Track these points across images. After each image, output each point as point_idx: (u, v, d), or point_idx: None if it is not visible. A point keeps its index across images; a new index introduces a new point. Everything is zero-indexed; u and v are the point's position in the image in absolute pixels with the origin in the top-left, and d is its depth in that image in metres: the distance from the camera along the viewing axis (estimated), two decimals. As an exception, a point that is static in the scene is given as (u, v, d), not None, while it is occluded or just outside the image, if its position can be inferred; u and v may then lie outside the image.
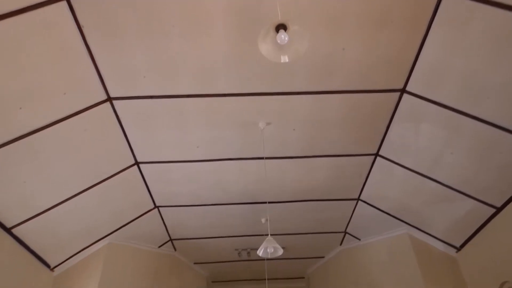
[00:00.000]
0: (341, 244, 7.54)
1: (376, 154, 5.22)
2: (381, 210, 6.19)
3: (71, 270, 6.01)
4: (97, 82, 4.00)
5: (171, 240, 7.08)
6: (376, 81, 4.17)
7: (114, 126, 4.52)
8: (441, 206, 5.49)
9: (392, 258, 6.52)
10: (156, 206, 6.12)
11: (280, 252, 3.94)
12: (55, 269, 5.91)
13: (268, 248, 3.93)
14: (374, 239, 6.92)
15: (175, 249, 7.42)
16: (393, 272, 6.38)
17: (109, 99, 4.22)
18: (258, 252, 3.98)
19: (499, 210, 4.98)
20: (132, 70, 3.94)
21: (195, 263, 8.01)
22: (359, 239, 7.16)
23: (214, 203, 6.11)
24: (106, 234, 6.18)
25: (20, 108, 3.81)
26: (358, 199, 6.14)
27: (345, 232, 7.11)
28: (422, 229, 6.20)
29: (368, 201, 6.14)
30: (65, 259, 5.94)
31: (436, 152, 4.75)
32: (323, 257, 8.05)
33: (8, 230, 4.84)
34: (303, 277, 8.95)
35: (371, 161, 5.34)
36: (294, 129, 4.77)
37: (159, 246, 7.11)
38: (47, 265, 5.76)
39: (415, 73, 4.04)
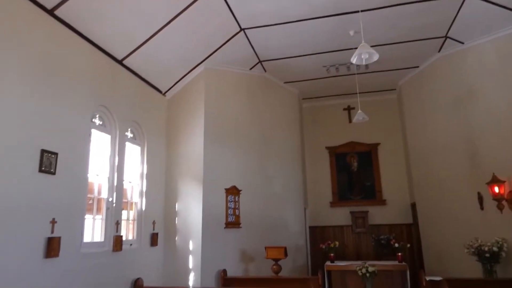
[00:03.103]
0: (439, 51, 6.98)
1: None
2: (494, 3, 5.30)
3: (180, 94, 6.86)
4: None
5: (260, 62, 7.32)
6: None
7: None
8: None
9: (502, 60, 5.93)
10: (241, 29, 6.12)
11: (376, 57, 3.81)
12: (166, 94, 6.79)
13: (363, 54, 3.80)
14: (481, 40, 6.21)
15: (265, 70, 7.74)
16: (502, 76, 5.91)
17: None
18: (352, 59, 3.90)
19: None
20: None
21: (285, 82, 8.38)
22: (462, 43, 6.49)
23: (299, 19, 5.85)
24: (201, 60, 6.62)
25: None
26: (466, -6, 5.28)
27: (446, 37, 6.46)
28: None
29: (479, -5, 5.25)
30: (172, 85, 6.73)
31: None
32: (417, 66, 7.68)
33: (120, 62, 5.46)
34: (394, 89, 8.89)
35: None
36: None
37: (250, 68, 7.47)
38: (159, 91, 6.61)
39: None
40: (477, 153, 6.16)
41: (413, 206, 8.13)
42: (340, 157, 9.23)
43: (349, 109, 9.39)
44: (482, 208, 5.88)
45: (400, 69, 7.79)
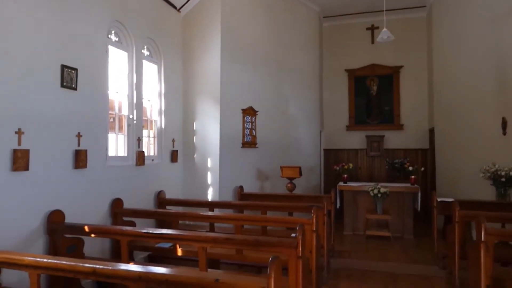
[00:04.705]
0: (481, -39, 6.28)
1: None
2: None
3: (195, 10, 6.51)
4: None
5: (281, -26, 6.77)
6: None
7: None
8: None
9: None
10: None
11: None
12: (181, 10, 6.47)
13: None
14: None
15: (285, -16, 7.21)
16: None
17: None
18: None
19: None
20: None
21: (306, -2, 7.87)
22: (509, -50, 5.79)
23: None
24: (217, -29, 6.15)
25: None
26: None
27: None
28: None
29: None
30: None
31: None
32: (453, -20, 7.01)
33: (133, -28, 5.13)
34: (424, 6, 8.24)
35: None
36: None
37: (270, -18, 6.96)
38: (174, 7, 6.29)
39: None
40: (507, 76, 5.86)
41: (431, 131, 8.06)
42: (359, 80, 8.99)
43: (372, 29, 8.88)
44: (504, 134, 5.78)
45: (434, -19, 7.13)
